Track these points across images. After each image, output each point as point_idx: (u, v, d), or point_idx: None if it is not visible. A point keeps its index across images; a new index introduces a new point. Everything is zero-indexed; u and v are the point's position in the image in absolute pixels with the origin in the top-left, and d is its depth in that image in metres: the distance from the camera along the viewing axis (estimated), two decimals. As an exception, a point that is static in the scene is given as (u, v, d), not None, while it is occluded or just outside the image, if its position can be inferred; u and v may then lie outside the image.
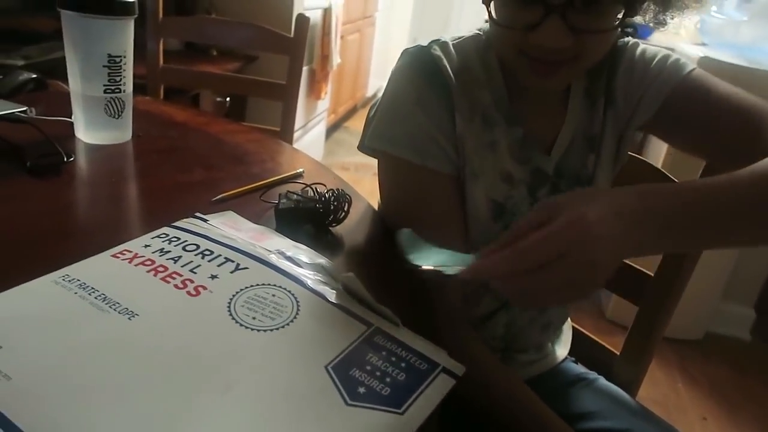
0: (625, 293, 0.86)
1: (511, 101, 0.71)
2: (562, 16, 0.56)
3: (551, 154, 0.73)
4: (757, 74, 1.79)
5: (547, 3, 0.56)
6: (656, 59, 0.74)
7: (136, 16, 0.78)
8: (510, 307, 0.78)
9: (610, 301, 2.09)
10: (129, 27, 0.78)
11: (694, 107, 0.71)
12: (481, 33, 0.73)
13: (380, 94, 0.73)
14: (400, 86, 0.69)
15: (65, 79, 0.80)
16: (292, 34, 1.48)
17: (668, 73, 0.72)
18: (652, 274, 0.84)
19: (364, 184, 2.98)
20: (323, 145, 3.50)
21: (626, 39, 0.76)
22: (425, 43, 0.70)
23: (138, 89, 0.84)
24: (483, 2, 0.62)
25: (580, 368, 0.88)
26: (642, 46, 0.75)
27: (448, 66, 0.68)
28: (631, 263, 0.85)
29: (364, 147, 0.72)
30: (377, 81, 4.58)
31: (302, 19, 1.47)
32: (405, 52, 0.71)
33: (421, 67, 0.68)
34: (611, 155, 0.77)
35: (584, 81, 0.75)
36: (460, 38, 0.72)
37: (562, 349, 0.89)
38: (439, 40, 0.71)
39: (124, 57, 0.78)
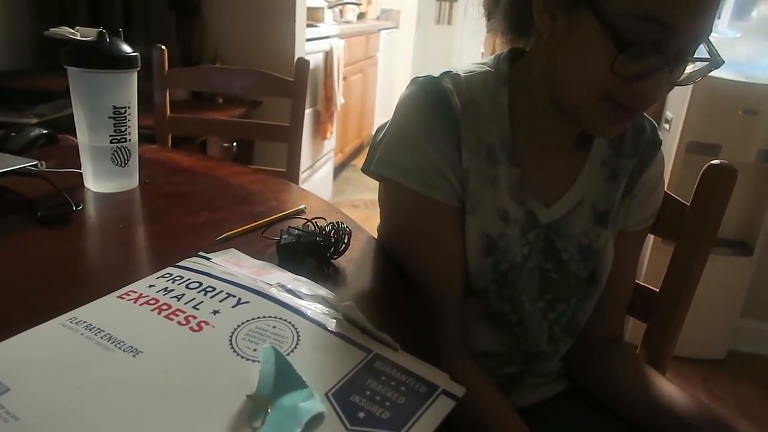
0: (633, 311, 0.85)
1: (515, 142, 0.71)
2: (670, 70, 0.59)
3: (551, 207, 0.74)
4: (757, 89, 1.81)
5: (668, 57, 0.57)
6: (661, 187, 0.82)
7: (138, 68, 0.81)
8: (522, 349, 0.78)
9: (627, 325, 2.06)
10: (132, 79, 0.81)
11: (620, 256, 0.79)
12: (492, 70, 0.72)
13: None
14: (409, 116, 0.70)
15: (74, 135, 0.83)
16: (293, 78, 1.52)
17: (653, 214, 0.81)
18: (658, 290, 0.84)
19: (374, 220, 2.97)
20: (332, 184, 3.54)
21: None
22: (437, 75, 0.70)
23: (147, 139, 0.87)
24: (618, 48, 0.57)
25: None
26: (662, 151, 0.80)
27: (458, 100, 0.68)
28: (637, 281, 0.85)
29: (370, 171, 0.73)
30: (382, 119, 4.59)
31: (302, 63, 1.52)
32: (415, 80, 0.71)
33: (431, 99, 0.69)
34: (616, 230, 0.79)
35: (606, 151, 0.76)
36: (471, 72, 0.72)
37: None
38: (450, 72, 0.71)
39: (129, 108, 0.81)
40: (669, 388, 0.77)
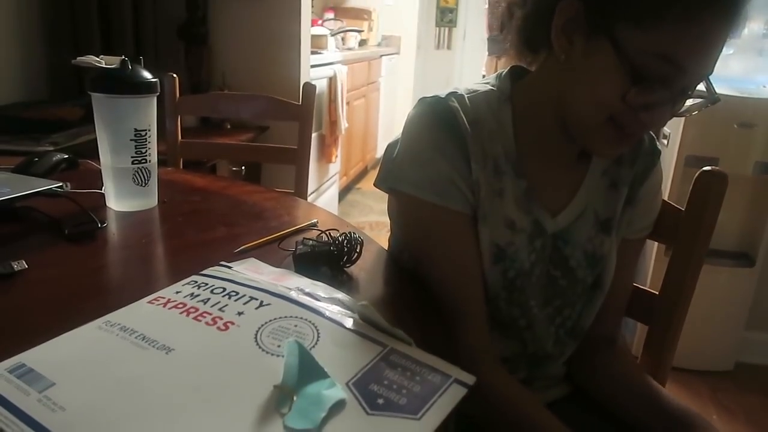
0: (636, 314, 0.88)
1: (519, 155, 0.75)
2: (674, 104, 0.64)
3: (557, 217, 0.77)
4: (751, 103, 1.86)
5: (674, 92, 0.63)
6: (660, 196, 0.86)
7: (158, 93, 0.86)
8: (529, 352, 0.81)
9: (634, 337, 2.08)
10: (152, 103, 0.86)
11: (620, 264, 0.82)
12: (494, 88, 0.76)
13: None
14: (420, 133, 0.74)
15: (92, 160, 0.87)
16: (299, 102, 1.57)
17: (652, 222, 0.85)
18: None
19: (380, 241, 3.02)
20: (337, 206, 3.58)
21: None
22: (443, 95, 0.74)
23: (158, 164, 0.91)
24: (633, 81, 0.62)
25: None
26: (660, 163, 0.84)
27: (464, 117, 0.72)
28: (637, 285, 0.89)
29: (383, 185, 0.77)
30: (385, 142, 4.67)
31: (309, 87, 1.57)
32: (422, 100, 0.75)
33: (439, 116, 0.73)
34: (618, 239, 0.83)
35: (606, 161, 0.80)
36: (474, 92, 0.76)
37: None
38: (456, 92, 0.75)
39: (149, 130, 0.86)
40: (656, 385, 0.81)
